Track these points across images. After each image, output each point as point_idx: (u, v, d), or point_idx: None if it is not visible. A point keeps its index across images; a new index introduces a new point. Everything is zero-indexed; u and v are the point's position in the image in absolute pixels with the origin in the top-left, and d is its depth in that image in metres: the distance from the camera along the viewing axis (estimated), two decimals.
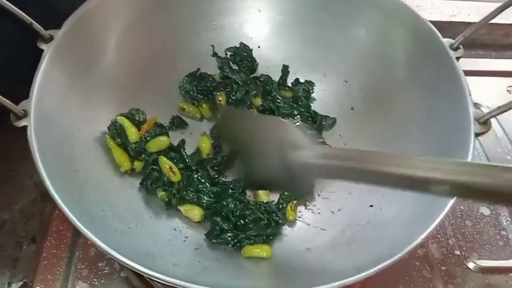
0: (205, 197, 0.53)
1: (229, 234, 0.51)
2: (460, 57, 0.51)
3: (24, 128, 0.44)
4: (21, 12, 0.46)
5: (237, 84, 0.62)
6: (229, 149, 0.54)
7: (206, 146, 0.58)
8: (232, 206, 0.53)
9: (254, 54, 0.63)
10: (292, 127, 0.42)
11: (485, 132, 0.47)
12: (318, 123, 0.61)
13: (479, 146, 0.66)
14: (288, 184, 0.43)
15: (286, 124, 0.42)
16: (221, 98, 0.61)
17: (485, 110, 0.56)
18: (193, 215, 0.53)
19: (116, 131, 0.54)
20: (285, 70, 0.64)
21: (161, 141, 0.55)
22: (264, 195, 0.55)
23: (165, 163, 0.54)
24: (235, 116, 0.51)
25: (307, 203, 0.56)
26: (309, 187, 0.42)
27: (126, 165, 0.54)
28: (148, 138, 0.55)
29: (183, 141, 0.58)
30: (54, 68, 0.48)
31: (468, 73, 0.51)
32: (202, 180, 0.54)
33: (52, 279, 0.52)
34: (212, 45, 0.63)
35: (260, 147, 0.44)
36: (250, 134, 0.45)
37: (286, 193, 0.55)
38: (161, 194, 0.53)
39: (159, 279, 0.39)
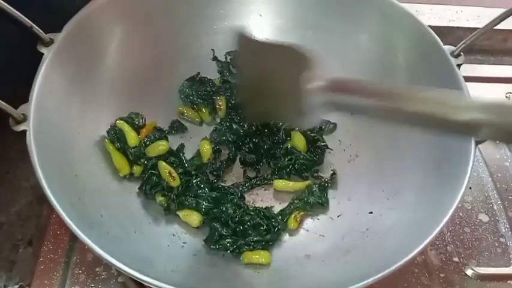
0: (204, 202, 0.53)
1: (228, 240, 0.51)
2: (461, 65, 0.51)
3: (23, 130, 0.43)
4: (21, 15, 0.46)
5: (236, 88, 0.61)
6: (241, 78, 0.54)
7: (207, 150, 0.57)
8: (232, 211, 0.52)
9: None
10: (310, 58, 0.42)
11: (486, 140, 0.47)
12: (318, 127, 0.61)
13: (478, 152, 0.66)
14: (295, 114, 0.44)
15: (304, 55, 0.42)
16: (221, 102, 0.61)
17: None
18: (192, 220, 0.52)
19: (115, 135, 0.54)
20: None
21: (160, 146, 0.55)
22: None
23: (164, 168, 0.53)
24: (252, 44, 0.50)
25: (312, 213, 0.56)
26: (314, 118, 0.43)
27: (125, 169, 0.53)
28: (147, 143, 0.55)
29: (182, 146, 0.58)
30: (54, 72, 0.47)
31: (467, 79, 0.51)
32: (201, 185, 0.54)
33: (49, 284, 0.52)
34: (212, 49, 0.63)
35: (275, 76, 0.45)
36: (266, 62, 0.46)
37: (296, 201, 0.55)
38: (160, 199, 0.53)
39: (156, 286, 0.38)
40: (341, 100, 0.40)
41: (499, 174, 0.66)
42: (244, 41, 0.48)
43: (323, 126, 0.61)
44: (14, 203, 0.59)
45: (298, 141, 0.59)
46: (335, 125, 0.62)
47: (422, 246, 0.42)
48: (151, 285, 0.39)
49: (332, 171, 0.58)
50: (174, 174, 0.53)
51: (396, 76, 0.58)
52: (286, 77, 0.43)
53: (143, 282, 0.39)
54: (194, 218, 0.52)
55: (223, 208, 0.52)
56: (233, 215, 0.52)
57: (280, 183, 0.57)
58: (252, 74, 0.48)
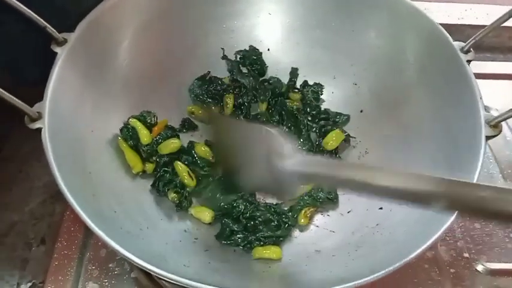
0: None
1: (239, 235, 0.52)
2: (471, 61, 0.51)
3: (34, 129, 0.44)
4: (35, 15, 0.46)
5: (245, 88, 0.62)
6: (217, 154, 0.55)
7: (205, 151, 0.57)
8: (243, 207, 0.53)
9: (264, 56, 0.64)
10: (279, 136, 0.44)
11: (496, 135, 0.47)
12: (331, 120, 0.61)
13: (488, 149, 0.66)
14: (274, 187, 0.44)
15: (273, 133, 0.44)
16: (229, 100, 0.62)
17: (494, 113, 0.56)
18: (204, 217, 0.53)
19: (128, 133, 0.54)
20: (294, 73, 0.64)
21: (173, 144, 0.55)
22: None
23: (183, 170, 0.54)
24: (223, 123, 0.53)
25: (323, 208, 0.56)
26: (292, 190, 0.44)
27: (138, 167, 0.54)
28: (159, 141, 0.55)
29: (192, 144, 0.58)
30: (68, 71, 0.48)
31: (476, 76, 0.51)
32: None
33: (63, 280, 0.53)
34: (222, 48, 0.63)
35: (248, 154, 0.46)
36: (238, 141, 0.47)
37: (305, 197, 0.55)
38: (172, 195, 0.53)
39: (172, 279, 0.39)
40: (313, 176, 0.42)
41: (509, 171, 0.66)
42: (215, 117, 0.51)
43: (337, 119, 0.61)
44: (27, 202, 0.60)
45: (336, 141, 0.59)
46: (348, 116, 0.62)
47: (431, 240, 0.42)
48: (165, 279, 0.39)
49: None
50: (192, 173, 0.54)
51: (405, 73, 0.58)
52: (257, 154, 0.44)
53: (155, 277, 0.40)
54: (206, 214, 0.53)
55: (235, 204, 0.53)
56: (244, 210, 0.53)
57: None
58: (226, 149, 0.50)
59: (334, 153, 0.60)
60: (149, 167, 0.55)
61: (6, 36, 0.50)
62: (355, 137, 0.60)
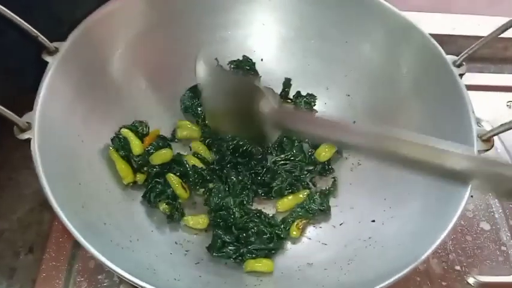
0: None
1: (231, 247, 0.51)
2: (463, 74, 0.52)
3: (27, 138, 0.43)
4: (27, 24, 0.46)
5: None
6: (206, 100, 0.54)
7: (203, 149, 0.57)
8: (238, 215, 0.52)
9: (257, 67, 0.63)
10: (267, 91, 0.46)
11: (488, 149, 0.47)
12: None
13: None
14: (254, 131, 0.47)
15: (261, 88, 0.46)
16: None
17: (485, 125, 0.56)
18: (197, 223, 0.53)
19: (120, 144, 0.54)
20: (287, 83, 0.64)
21: (164, 154, 0.55)
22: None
23: (176, 181, 0.54)
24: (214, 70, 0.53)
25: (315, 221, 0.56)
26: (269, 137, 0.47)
27: (129, 177, 0.53)
28: (151, 151, 0.55)
29: (179, 155, 0.57)
30: (59, 80, 0.48)
31: (467, 87, 0.51)
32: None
33: None
34: (216, 58, 0.63)
35: (237, 100, 0.48)
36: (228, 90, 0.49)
37: (298, 209, 0.55)
38: (163, 207, 0.53)
39: None
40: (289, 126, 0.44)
41: None
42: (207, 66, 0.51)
43: None
44: (16, 210, 0.59)
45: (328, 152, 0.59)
46: None
47: (424, 256, 0.42)
48: None
49: (333, 179, 0.58)
50: (185, 185, 0.54)
51: (398, 85, 0.58)
52: (245, 103, 0.46)
53: None
54: (200, 221, 0.53)
55: (230, 211, 0.52)
56: (238, 220, 0.52)
57: (282, 204, 0.56)
58: (216, 97, 0.51)
59: (327, 164, 0.59)
60: (140, 177, 0.54)
61: (2, 44, 0.50)
62: None
